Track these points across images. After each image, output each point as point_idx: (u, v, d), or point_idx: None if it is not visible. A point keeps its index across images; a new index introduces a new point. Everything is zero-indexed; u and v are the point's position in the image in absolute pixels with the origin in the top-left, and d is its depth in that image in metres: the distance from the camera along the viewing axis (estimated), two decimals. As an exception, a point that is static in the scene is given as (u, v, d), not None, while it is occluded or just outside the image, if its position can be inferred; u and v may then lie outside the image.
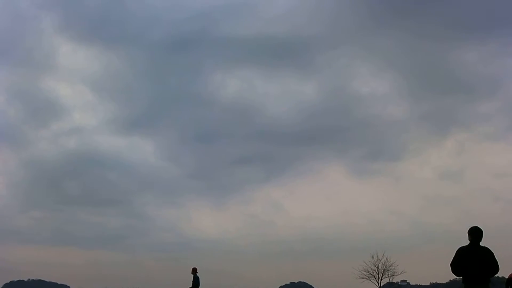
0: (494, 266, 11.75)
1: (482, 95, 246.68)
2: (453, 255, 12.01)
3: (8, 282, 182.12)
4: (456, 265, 11.86)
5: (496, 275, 12.23)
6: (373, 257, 73.39)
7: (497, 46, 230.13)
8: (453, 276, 13.15)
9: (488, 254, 11.75)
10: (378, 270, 73.45)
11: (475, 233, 11.91)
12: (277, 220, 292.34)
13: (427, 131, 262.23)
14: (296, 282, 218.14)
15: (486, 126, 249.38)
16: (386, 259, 73.18)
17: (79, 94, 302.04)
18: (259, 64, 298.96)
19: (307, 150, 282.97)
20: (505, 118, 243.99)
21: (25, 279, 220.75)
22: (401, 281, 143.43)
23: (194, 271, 28.83)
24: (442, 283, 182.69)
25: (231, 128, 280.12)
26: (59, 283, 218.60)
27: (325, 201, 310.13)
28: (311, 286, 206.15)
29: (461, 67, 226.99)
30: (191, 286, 28.64)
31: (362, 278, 73.27)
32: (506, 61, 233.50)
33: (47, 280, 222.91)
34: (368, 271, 73.25)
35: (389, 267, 73.30)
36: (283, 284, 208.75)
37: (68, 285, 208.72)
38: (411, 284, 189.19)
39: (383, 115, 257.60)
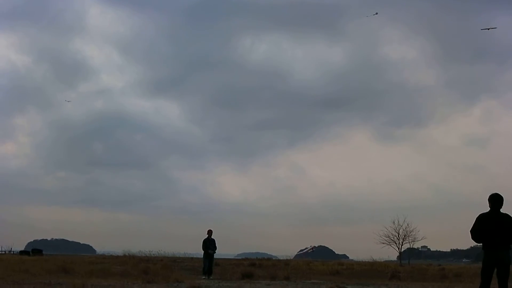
0: (514, 232, 11.41)
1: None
2: (473, 222, 11.66)
3: (31, 241, 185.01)
4: (476, 231, 11.60)
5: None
6: (394, 222, 73.21)
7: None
8: (473, 243, 12.86)
9: (508, 220, 11.45)
10: (398, 236, 73.30)
11: (495, 200, 11.61)
12: (299, 184, 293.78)
13: (455, 97, 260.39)
14: (316, 246, 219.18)
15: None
16: (407, 224, 72.99)
17: (107, 56, 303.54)
18: (288, 28, 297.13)
19: (333, 115, 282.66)
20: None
21: (49, 239, 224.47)
22: (422, 247, 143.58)
23: (210, 233, 28.63)
24: (462, 250, 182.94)
25: (258, 92, 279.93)
26: (81, 243, 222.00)
27: (349, 167, 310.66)
28: (331, 250, 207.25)
29: (492, 34, 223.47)
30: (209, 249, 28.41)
31: (383, 243, 73.21)
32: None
33: (70, 240, 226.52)
34: (388, 237, 73.16)
35: (410, 232, 73.10)
36: (303, 248, 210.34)
37: (90, 245, 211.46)
38: (431, 250, 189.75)
39: (410, 81, 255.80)
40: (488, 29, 75.21)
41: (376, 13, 79.13)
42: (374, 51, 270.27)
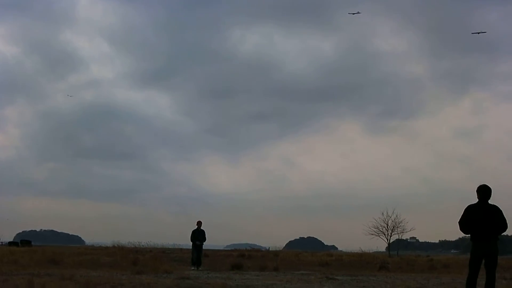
0: (502, 223, 11.53)
1: (503, 54, 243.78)
2: (462, 213, 11.71)
3: (20, 232, 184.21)
4: (464, 222, 11.65)
5: (505, 233, 11.99)
6: (383, 213, 73.38)
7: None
8: (462, 234, 12.93)
9: (496, 212, 11.52)
10: (387, 227, 73.44)
11: (484, 191, 11.65)
12: (290, 176, 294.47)
13: (445, 89, 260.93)
14: (305, 237, 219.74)
15: (506, 85, 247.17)
16: (396, 216, 73.13)
17: (97, 47, 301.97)
18: (279, 20, 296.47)
19: (324, 107, 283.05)
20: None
21: (38, 230, 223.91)
22: (410, 238, 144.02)
23: (199, 224, 28.64)
24: (451, 241, 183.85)
25: (249, 84, 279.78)
26: (71, 234, 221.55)
27: (340, 158, 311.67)
28: (320, 241, 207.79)
29: (482, 26, 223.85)
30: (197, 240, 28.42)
31: (372, 234, 73.40)
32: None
33: (59, 231, 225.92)
34: (377, 228, 73.32)
35: (399, 224, 73.26)
36: (292, 239, 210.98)
37: (80, 236, 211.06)
38: (420, 241, 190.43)
39: (401, 73, 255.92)
40: (478, 33, 77.05)
41: (359, 12, 79.05)
42: (365, 43, 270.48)
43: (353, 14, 79.46)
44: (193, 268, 27.30)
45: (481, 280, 11.59)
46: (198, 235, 28.41)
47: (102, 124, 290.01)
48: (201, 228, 28.62)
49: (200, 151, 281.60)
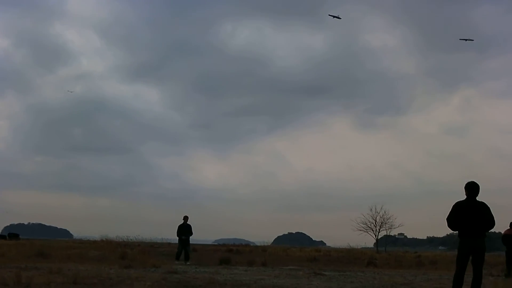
0: (490, 220, 11.58)
1: (492, 51, 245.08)
2: (450, 210, 11.73)
3: (8, 225, 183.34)
4: (452, 219, 11.65)
5: (492, 230, 12.04)
6: (371, 209, 73.65)
7: (510, 3, 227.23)
8: (449, 231, 13.01)
9: (484, 209, 11.55)
10: (376, 223, 73.75)
11: (472, 188, 11.67)
12: (279, 171, 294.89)
13: (435, 86, 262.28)
14: (294, 232, 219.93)
15: (495, 82, 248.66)
16: (384, 212, 73.46)
17: (87, 40, 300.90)
18: (270, 15, 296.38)
19: (314, 102, 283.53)
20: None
21: (26, 223, 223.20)
22: (398, 234, 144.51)
23: (185, 219, 28.67)
24: (438, 237, 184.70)
25: (238, 79, 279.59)
26: (58, 227, 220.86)
27: (329, 154, 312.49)
28: (308, 237, 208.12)
29: (473, 23, 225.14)
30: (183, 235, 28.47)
31: (360, 230, 73.66)
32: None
33: (47, 225, 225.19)
34: (366, 224, 73.60)
35: (387, 220, 73.59)
36: (281, 235, 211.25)
37: (68, 230, 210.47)
38: (408, 237, 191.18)
39: (391, 69, 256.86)
40: (466, 40, 77.38)
41: (339, 17, 78.09)
42: (355, 39, 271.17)
43: (333, 17, 78.33)
44: (177, 262, 27.30)
45: (468, 277, 11.63)
46: (184, 230, 28.46)
47: (91, 118, 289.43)
48: (188, 223, 28.67)
49: (189, 145, 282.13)
